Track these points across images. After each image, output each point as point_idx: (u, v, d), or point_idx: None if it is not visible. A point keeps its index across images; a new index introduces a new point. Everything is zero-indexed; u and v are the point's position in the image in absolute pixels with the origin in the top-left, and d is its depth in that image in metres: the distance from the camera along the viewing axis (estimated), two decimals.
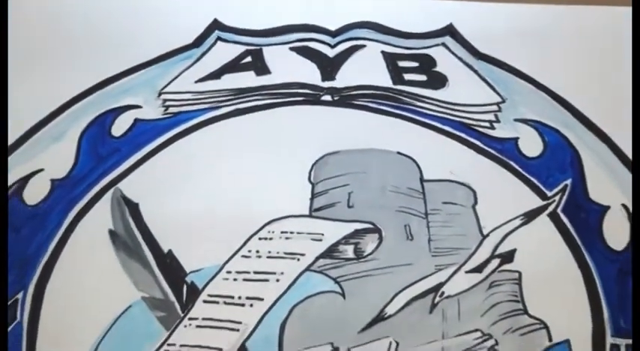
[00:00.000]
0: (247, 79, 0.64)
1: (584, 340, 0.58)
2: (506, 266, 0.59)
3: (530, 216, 0.61)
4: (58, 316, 0.56)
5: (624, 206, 0.61)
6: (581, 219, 0.61)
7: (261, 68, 0.65)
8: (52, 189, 0.59)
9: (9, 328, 0.55)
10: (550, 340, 0.57)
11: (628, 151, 0.63)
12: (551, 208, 0.61)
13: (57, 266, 0.57)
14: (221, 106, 0.63)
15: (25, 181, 0.59)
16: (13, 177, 0.59)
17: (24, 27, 0.64)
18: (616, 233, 0.60)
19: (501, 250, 0.60)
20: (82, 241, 0.58)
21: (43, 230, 0.58)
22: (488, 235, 0.60)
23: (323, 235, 0.59)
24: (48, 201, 0.59)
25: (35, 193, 0.59)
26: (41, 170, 0.60)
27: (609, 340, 0.58)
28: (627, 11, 0.67)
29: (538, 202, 0.61)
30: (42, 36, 0.64)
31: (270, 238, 0.59)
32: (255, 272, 0.58)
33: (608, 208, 0.61)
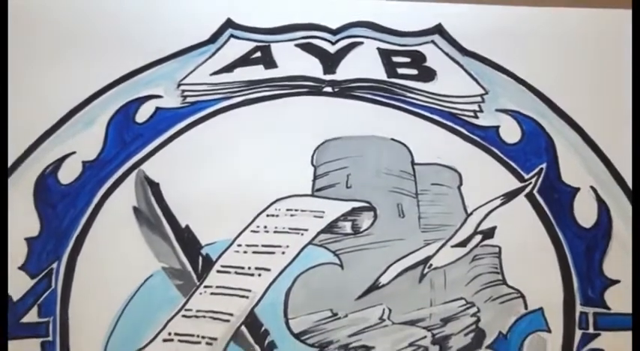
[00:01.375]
0: (257, 72, 0.66)
1: (556, 308, 0.62)
2: (487, 241, 0.63)
3: (509, 196, 0.64)
4: (88, 284, 0.60)
5: (592, 188, 0.64)
6: (554, 199, 0.64)
7: (269, 62, 0.67)
8: (83, 170, 0.62)
9: (45, 295, 0.59)
10: (526, 307, 0.61)
11: (597, 139, 0.66)
12: (528, 190, 0.64)
13: (87, 239, 0.61)
14: (233, 97, 0.65)
15: (60, 162, 0.62)
16: (49, 158, 0.62)
17: (54, 26, 0.66)
18: (585, 212, 0.64)
19: (483, 227, 0.63)
20: (110, 217, 0.61)
21: (75, 207, 0.61)
22: (471, 213, 0.63)
23: (324, 212, 0.62)
24: (79, 181, 0.62)
25: (68, 173, 0.62)
26: (74, 153, 0.62)
27: (579, 308, 0.62)
28: (609, 12, 0.69)
29: (516, 184, 0.64)
30: (74, 34, 0.66)
31: (277, 215, 0.62)
32: (263, 245, 0.61)
33: (578, 189, 0.64)
